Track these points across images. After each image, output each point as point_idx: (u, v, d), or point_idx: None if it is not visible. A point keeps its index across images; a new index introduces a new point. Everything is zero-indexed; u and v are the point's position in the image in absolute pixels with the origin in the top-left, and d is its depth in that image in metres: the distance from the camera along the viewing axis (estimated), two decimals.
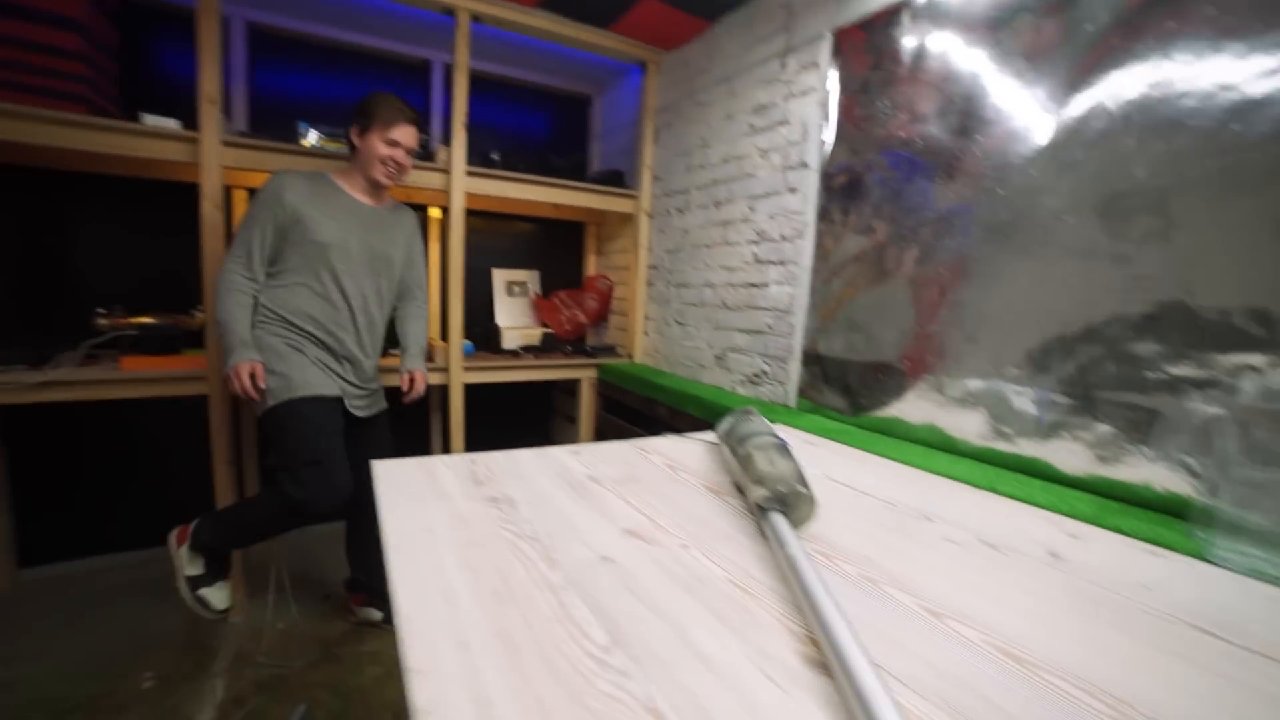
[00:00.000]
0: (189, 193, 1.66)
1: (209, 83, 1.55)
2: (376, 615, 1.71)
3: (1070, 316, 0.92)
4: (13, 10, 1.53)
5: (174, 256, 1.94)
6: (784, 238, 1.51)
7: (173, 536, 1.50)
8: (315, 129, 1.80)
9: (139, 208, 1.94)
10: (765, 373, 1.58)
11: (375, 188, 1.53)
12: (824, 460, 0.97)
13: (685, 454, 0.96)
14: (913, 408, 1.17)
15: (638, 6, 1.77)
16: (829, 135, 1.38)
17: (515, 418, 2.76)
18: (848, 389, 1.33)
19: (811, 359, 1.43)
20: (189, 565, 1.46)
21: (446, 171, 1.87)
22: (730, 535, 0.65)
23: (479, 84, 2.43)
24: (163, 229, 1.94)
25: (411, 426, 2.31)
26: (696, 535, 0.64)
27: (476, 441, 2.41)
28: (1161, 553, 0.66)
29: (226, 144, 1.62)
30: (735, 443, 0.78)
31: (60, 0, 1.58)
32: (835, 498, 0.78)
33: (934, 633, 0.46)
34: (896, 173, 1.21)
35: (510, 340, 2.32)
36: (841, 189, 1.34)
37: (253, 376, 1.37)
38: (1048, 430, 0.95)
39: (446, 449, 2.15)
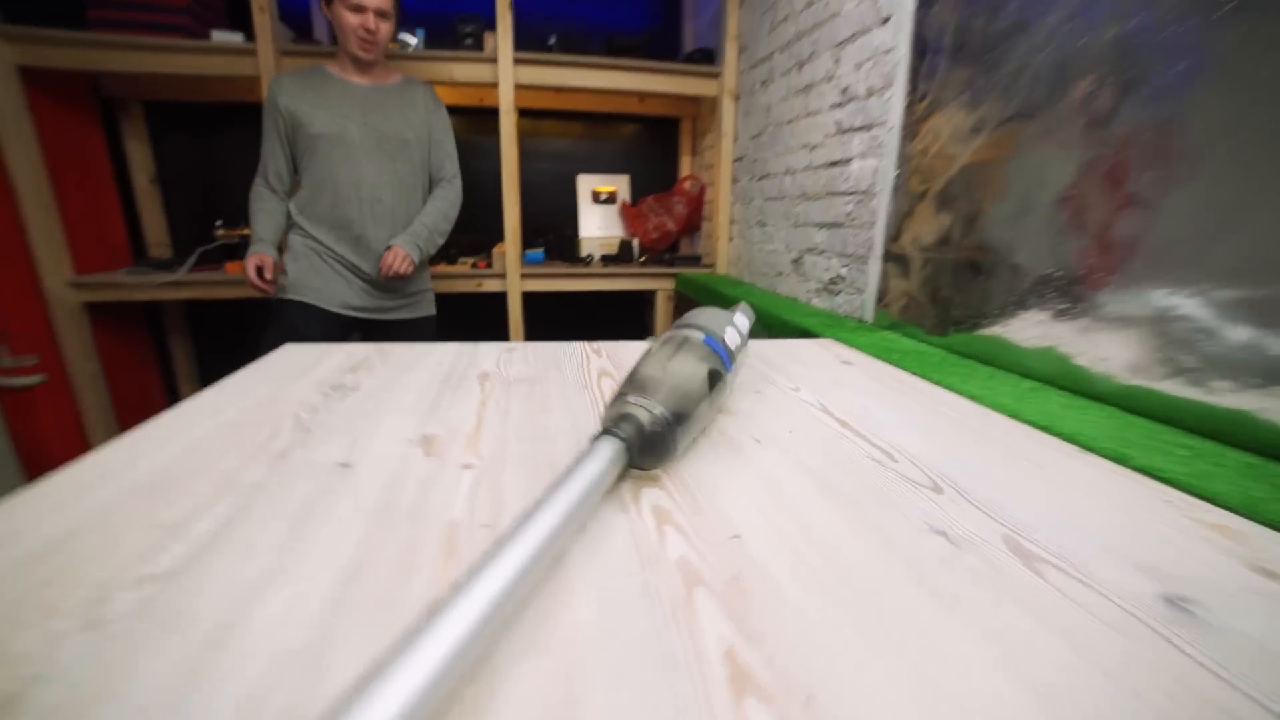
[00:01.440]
0: None
1: None
2: None
3: None
4: None
5: None
6: (870, 91, 1.09)
7: None
8: None
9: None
10: (842, 278, 1.22)
11: (361, 64, 1.38)
12: (843, 385, 0.67)
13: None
14: (1025, 323, 0.77)
15: None
16: None
17: (602, 332, 2.64)
18: (937, 296, 0.94)
19: (895, 256, 1.04)
20: None
21: (493, 61, 1.70)
22: (559, 464, 0.43)
23: None
24: None
25: (492, 333, 2.32)
26: (506, 456, 0.44)
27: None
28: None
29: (284, 53, 1.63)
30: (665, 334, 0.53)
31: None
32: (802, 437, 0.50)
33: (654, 669, 0.21)
34: None
35: (586, 249, 2.17)
36: (951, 3, 0.89)
37: (260, 270, 1.38)
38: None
39: None
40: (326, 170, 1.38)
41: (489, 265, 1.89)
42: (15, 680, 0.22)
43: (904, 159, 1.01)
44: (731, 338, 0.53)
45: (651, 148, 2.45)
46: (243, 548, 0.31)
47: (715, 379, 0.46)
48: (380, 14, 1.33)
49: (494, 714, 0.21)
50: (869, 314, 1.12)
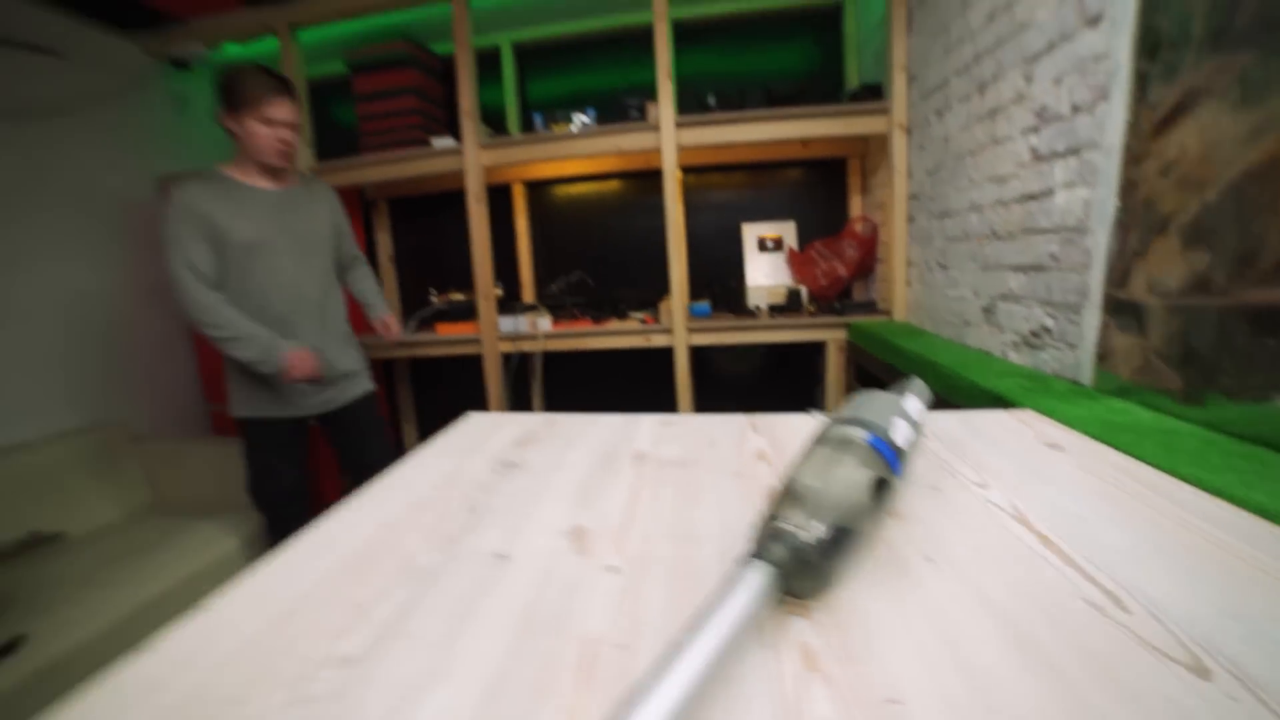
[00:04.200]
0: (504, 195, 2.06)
1: (466, 99, 1.86)
2: None
3: None
4: (374, 96, 2.13)
5: (499, 246, 2.40)
6: (1076, 109, 0.93)
7: None
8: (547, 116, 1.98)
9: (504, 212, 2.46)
10: (1047, 329, 1.03)
11: (273, 171, 1.42)
12: (1048, 480, 0.56)
13: (804, 441, 0.68)
14: None
15: None
16: None
17: (773, 384, 2.57)
18: (1191, 356, 0.74)
19: (1123, 305, 0.85)
20: None
21: (656, 129, 1.81)
22: (704, 573, 0.42)
23: (706, 31, 2.27)
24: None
25: (659, 385, 2.40)
26: (650, 559, 0.44)
27: (718, 407, 2.34)
28: None
29: (484, 147, 1.92)
30: (827, 429, 0.49)
31: (399, 76, 2.12)
32: (989, 560, 0.42)
33: None
34: None
35: (753, 299, 2.15)
36: None
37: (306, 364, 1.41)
38: None
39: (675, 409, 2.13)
40: (254, 276, 1.38)
41: (656, 320, 1.97)
42: None
43: (1129, 185, 0.83)
44: (901, 434, 0.48)
45: (817, 191, 2.37)
46: (410, 641, 0.35)
47: (881, 488, 0.41)
48: (295, 127, 1.39)
49: None
50: (1086, 374, 0.93)
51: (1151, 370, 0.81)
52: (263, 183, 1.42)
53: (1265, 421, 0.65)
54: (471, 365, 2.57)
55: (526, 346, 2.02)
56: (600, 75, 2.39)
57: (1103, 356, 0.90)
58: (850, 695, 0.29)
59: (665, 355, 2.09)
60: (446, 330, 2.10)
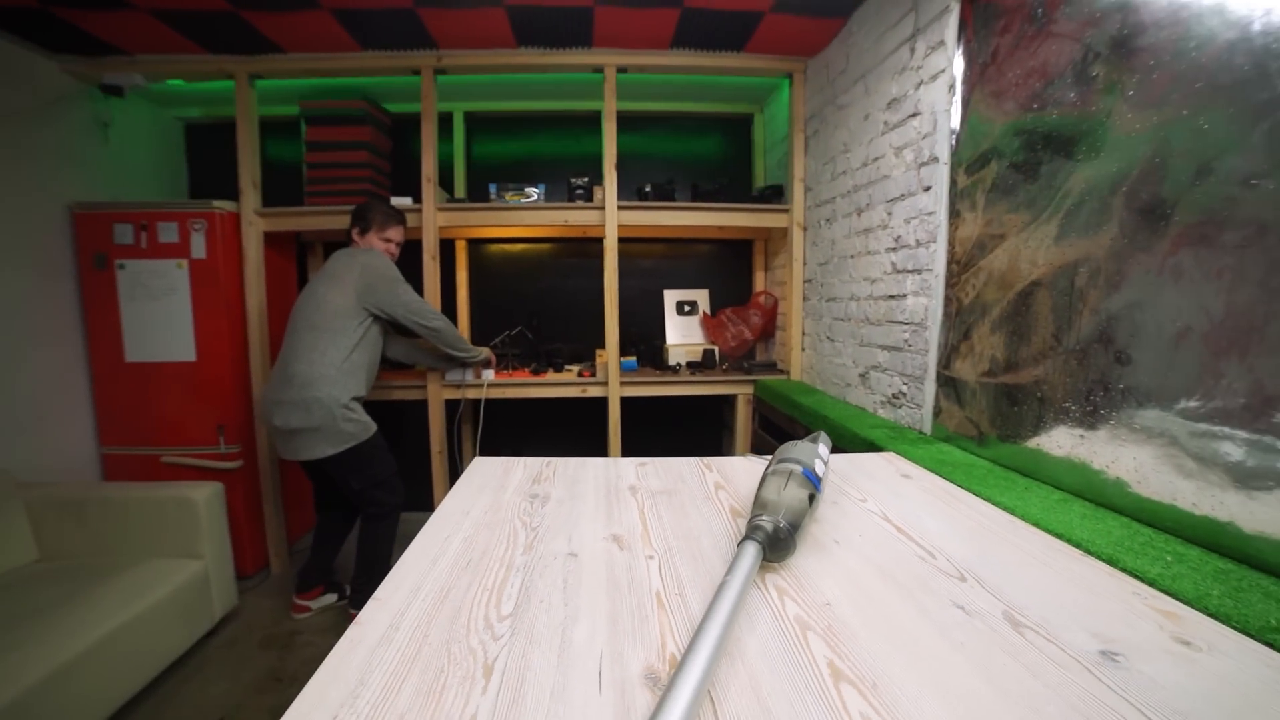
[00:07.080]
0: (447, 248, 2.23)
1: (428, 165, 2.05)
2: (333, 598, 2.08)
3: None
4: (325, 146, 2.25)
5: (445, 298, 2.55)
6: (919, 243, 1.35)
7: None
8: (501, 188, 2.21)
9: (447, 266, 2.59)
10: (903, 394, 1.42)
11: None
12: (901, 496, 0.87)
13: (746, 475, 0.96)
14: (1054, 439, 0.95)
15: (760, 25, 1.77)
16: (957, 122, 1.20)
17: (686, 429, 2.88)
18: (980, 415, 1.12)
19: (945, 380, 1.24)
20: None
21: (601, 208, 2.11)
22: (706, 556, 0.66)
23: (642, 121, 2.65)
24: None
25: (597, 429, 2.62)
26: (672, 549, 0.68)
27: (641, 449, 2.62)
28: None
29: (440, 209, 2.11)
30: (773, 465, 0.77)
31: (354, 131, 2.26)
32: (868, 540, 0.72)
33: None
34: (1030, 153, 1.00)
35: (673, 357, 2.46)
36: (972, 181, 1.15)
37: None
38: (1244, 480, 0.69)
39: (606, 454, 2.36)
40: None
41: (593, 375, 2.22)
42: (489, 658, 0.48)
43: (949, 301, 1.24)
44: (819, 467, 0.76)
45: (729, 265, 2.78)
46: (545, 603, 0.56)
47: (813, 499, 0.69)
48: (399, 245, 2.00)
49: (722, 701, 0.44)
50: (927, 427, 1.31)
51: (962, 424, 1.19)
52: None
53: (1015, 457, 1.03)
54: (409, 407, 2.64)
55: (470, 394, 2.17)
56: (544, 144, 2.68)
57: (937, 414, 1.28)
58: (806, 603, 0.56)
59: (597, 403, 2.34)
60: (389, 376, 2.20)
